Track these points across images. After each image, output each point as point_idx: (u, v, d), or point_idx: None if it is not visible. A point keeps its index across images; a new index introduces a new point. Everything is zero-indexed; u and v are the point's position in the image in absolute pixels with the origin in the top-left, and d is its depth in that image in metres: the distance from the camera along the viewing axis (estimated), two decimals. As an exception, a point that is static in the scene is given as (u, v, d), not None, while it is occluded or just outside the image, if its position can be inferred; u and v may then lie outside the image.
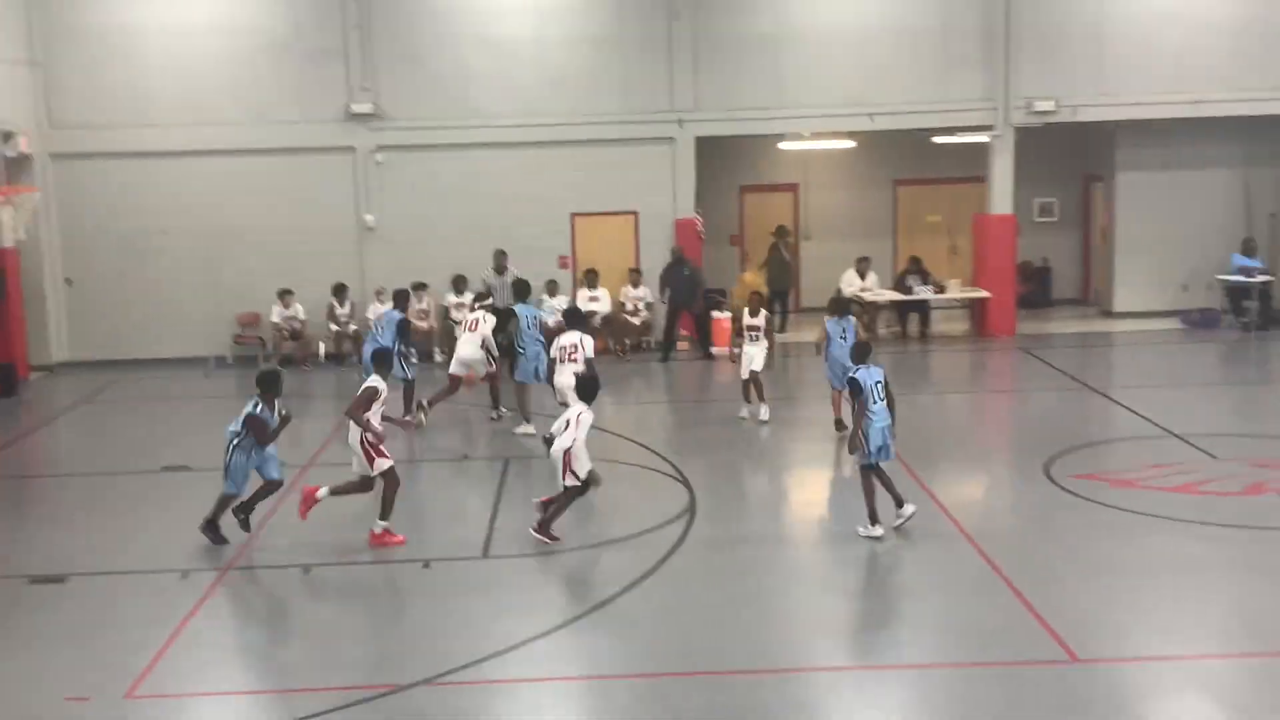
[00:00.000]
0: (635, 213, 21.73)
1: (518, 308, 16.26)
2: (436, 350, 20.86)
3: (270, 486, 12.09)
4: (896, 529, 11.62)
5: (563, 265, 21.58)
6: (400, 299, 16.95)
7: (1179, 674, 8.90)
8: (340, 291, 21.03)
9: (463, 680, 9.02)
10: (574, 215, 21.66)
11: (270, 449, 11.95)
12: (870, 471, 11.62)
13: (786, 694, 8.76)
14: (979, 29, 21.33)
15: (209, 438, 16.45)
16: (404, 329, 16.19)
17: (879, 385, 11.64)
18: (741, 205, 24.98)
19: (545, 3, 21.20)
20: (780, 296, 23.15)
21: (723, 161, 23.33)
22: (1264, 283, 21.80)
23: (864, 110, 21.41)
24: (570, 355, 14.50)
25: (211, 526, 11.93)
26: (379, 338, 16.00)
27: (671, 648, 9.59)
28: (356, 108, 20.96)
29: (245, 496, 11.94)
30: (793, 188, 25.00)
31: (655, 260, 21.38)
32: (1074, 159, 24.54)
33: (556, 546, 11.75)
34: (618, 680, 9.08)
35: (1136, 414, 16.14)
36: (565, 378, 14.20)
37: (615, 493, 13.78)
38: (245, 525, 11.97)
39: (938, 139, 22.85)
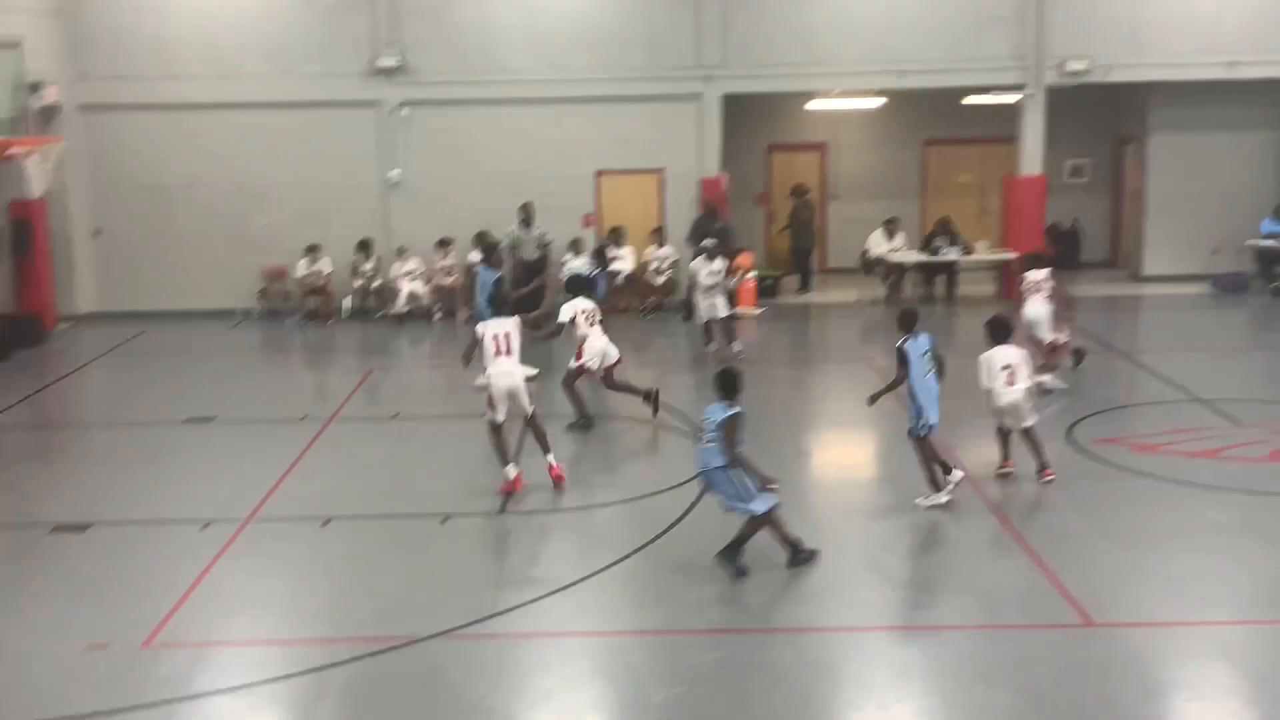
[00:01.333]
0: (660, 171, 21.62)
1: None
2: (460, 309, 20.93)
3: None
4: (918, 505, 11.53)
5: (587, 224, 21.51)
6: (489, 252, 17.10)
7: (1194, 639, 8.86)
8: (364, 247, 21.06)
9: (476, 634, 9.08)
10: (599, 173, 21.57)
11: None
12: (924, 441, 11.49)
13: (800, 652, 8.77)
14: (1012, -14, 21.05)
15: (233, 390, 16.66)
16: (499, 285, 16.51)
17: (926, 355, 11.53)
18: (769, 164, 24.82)
19: (573, -43, 21.05)
20: (803, 257, 23.06)
21: (750, 120, 23.17)
22: (1295, 248, 21.56)
23: (893, 68, 21.19)
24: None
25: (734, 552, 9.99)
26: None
27: (684, 607, 9.61)
28: (381, 62, 20.89)
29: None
30: (820, 147, 24.81)
31: (680, 219, 21.28)
32: (1106, 120, 24.26)
33: (574, 504, 11.83)
34: (628, 636, 9.12)
35: (1161, 378, 16.02)
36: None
37: (636, 452, 13.81)
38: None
39: (968, 99, 22.62)
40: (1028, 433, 12.07)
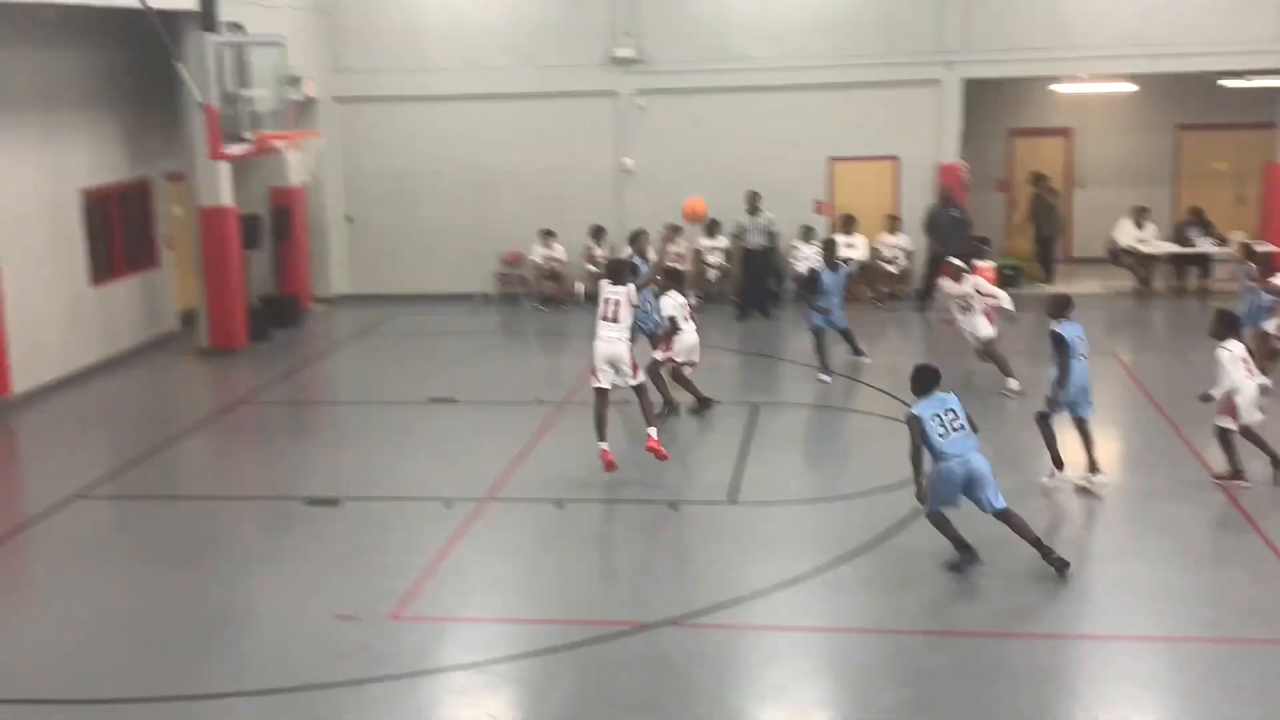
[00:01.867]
0: (896, 158, 21.26)
1: None
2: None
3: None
4: (1082, 489, 11.61)
5: (818, 211, 21.36)
6: (634, 242, 17.69)
7: None
8: (598, 233, 21.42)
9: (706, 623, 9.18)
10: (832, 160, 21.37)
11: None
12: (1048, 420, 11.64)
13: (1035, 658, 8.55)
14: (1278, -38, 19.84)
15: (473, 372, 17.20)
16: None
17: (1081, 340, 11.66)
18: (1010, 150, 24.09)
19: (810, -57, 20.89)
20: (1046, 246, 22.31)
21: (990, 103, 22.50)
22: None
23: (1145, 52, 20.24)
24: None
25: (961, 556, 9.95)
26: None
27: (916, 606, 9.49)
28: (619, 52, 21.18)
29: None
30: (1065, 132, 23.92)
31: (915, 207, 20.91)
32: (1381, 102, 22.59)
33: (806, 495, 11.81)
34: (859, 634, 9.06)
35: None
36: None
37: (865, 446, 13.66)
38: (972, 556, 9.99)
39: (1225, 82, 21.43)
40: (1250, 430, 11.58)
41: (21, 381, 15.72)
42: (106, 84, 17.82)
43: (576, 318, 20.82)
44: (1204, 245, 20.98)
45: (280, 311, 20.29)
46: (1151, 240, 21.22)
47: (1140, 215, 21.36)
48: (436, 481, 12.48)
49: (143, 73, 18.31)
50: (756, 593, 9.66)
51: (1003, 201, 23.89)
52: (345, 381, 17.95)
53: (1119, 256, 21.42)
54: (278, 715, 8.10)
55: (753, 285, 20.32)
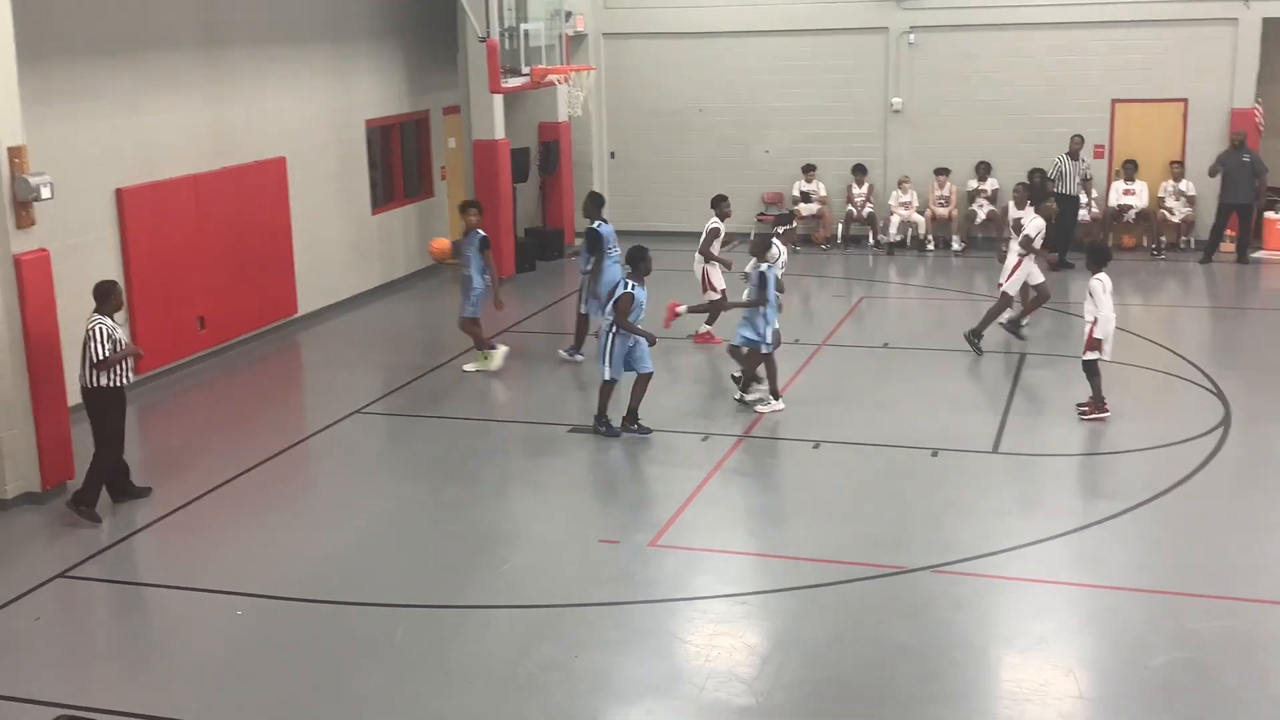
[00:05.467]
0: (1184, 100, 20.05)
1: None
2: (954, 239, 20.55)
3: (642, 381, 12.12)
4: None
5: (1098, 155, 20.38)
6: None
7: None
8: (859, 171, 21.05)
9: (967, 571, 8.99)
10: (1114, 101, 20.33)
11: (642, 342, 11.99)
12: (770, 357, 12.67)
13: (1321, 633, 8.05)
14: None
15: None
16: None
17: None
18: (1310, 93, 22.35)
19: None
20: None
21: (1291, 43, 20.94)
22: None
23: None
24: None
25: (600, 420, 12.08)
26: None
27: (1189, 566, 9.07)
28: (892, -13, 20.69)
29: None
30: (1377, 74, 22.01)
31: (1202, 153, 19.69)
32: None
33: (1076, 450, 11.41)
34: (1129, 592, 8.69)
35: None
36: None
37: (1141, 401, 13.06)
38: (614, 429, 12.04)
39: None
40: None
41: (307, 302, 16.64)
42: (391, 19, 18.51)
43: (836, 259, 20.57)
44: None
45: (544, 244, 20.77)
46: None
47: None
48: (695, 416, 12.59)
49: (423, 7, 18.93)
50: (1020, 544, 9.40)
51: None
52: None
53: None
54: (541, 630, 8.37)
55: (1064, 235, 18.53)
